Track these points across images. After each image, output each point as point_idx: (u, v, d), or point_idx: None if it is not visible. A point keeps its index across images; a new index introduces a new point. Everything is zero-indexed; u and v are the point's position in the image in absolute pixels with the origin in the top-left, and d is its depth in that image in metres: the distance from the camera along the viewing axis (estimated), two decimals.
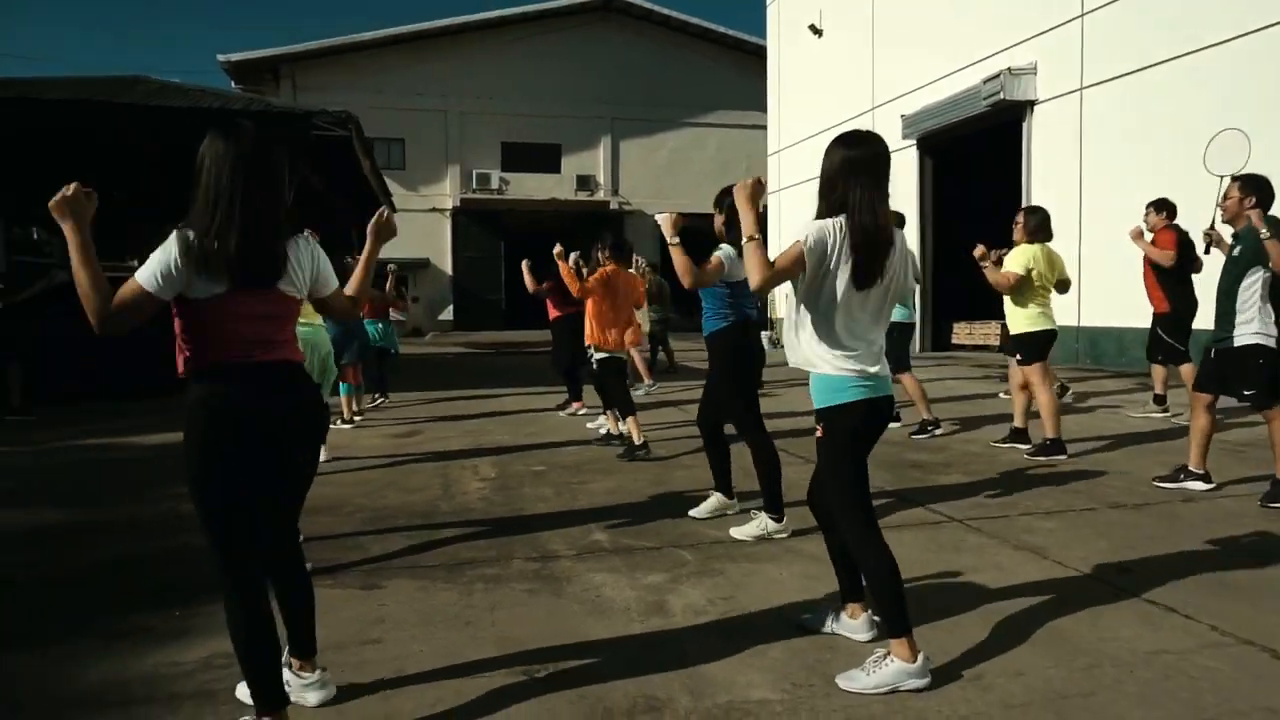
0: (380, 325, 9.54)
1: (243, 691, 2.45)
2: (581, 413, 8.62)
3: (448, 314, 31.80)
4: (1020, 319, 6.10)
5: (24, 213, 12.83)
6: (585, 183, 32.30)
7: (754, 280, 2.59)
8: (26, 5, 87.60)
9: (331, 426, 7.81)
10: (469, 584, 3.54)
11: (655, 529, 4.37)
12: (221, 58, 28.14)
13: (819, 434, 2.67)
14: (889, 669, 2.51)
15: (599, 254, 7.01)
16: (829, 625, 2.96)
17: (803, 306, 2.64)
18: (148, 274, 2.13)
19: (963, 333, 17.06)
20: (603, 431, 7.28)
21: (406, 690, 2.58)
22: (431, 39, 30.87)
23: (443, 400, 10.24)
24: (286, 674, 2.47)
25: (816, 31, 20.09)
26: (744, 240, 2.64)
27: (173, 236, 2.16)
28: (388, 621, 3.15)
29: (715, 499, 4.59)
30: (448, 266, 31.94)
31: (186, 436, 2.19)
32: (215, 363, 2.20)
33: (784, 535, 4.17)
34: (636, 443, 6.30)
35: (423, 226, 30.74)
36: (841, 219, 2.55)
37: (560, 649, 2.88)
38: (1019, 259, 6.03)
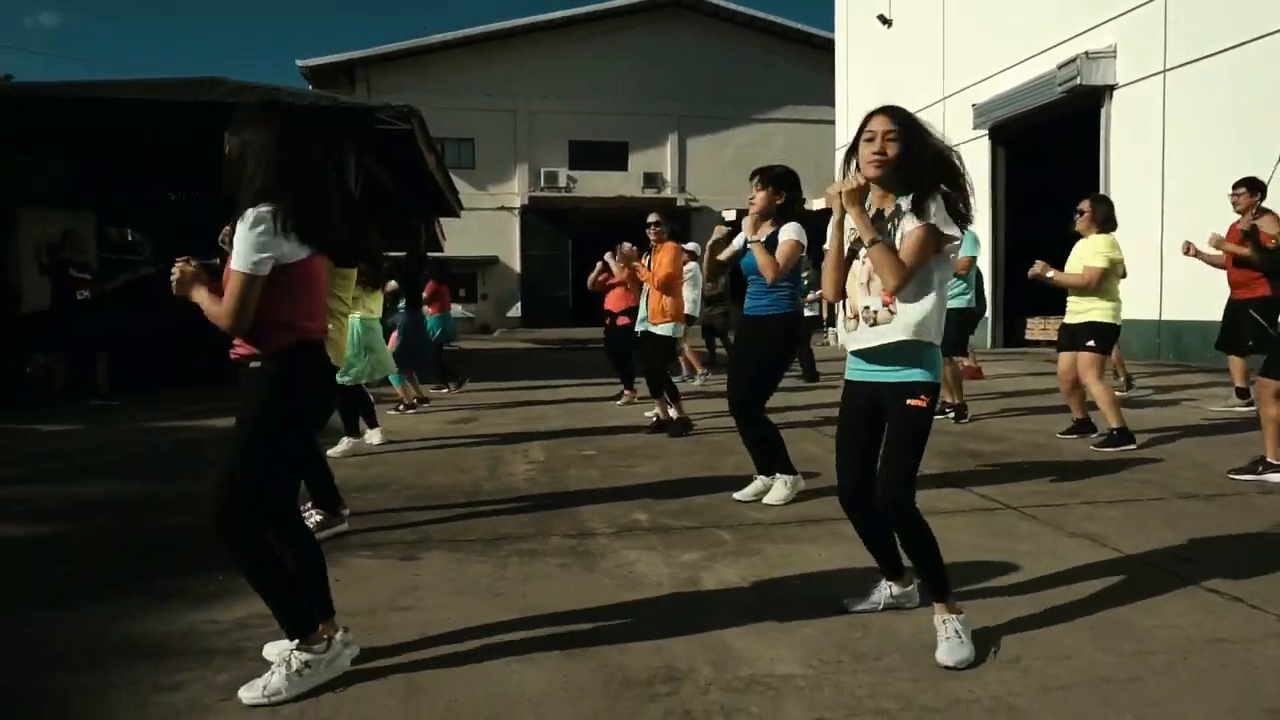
0: (443, 318, 9.69)
1: (270, 650, 2.50)
2: (636, 402, 8.59)
3: (515, 311, 32.21)
4: (1102, 309, 5.80)
5: (120, 215, 13.47)
6: (652, 180, 32.32)
7: (892, 283, 2.44)
8: (114, 17, 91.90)
9: (391, 413, 7.97)
10: (504, 558, 3.55)
11: (697, 510, 4.31)
12: (300, 63, 29.07)
13: (920, 404, 2.53)
14: (963, 627, 2.49)
15: (655, 231, 6.92)
16: (875, 600, 2.87)
17: (935, 276, 2.53)
18: (243, 261, 2.22)
19: (1037, 328, 16.46)
20: (653, 418, 7.24)
21: (429, 652, 2.58)
22: (500, 39, 31.31)
23: (503, 390, 10.35)
24: None
25: (886, 22, 19.69)
26: (868, 246, 2.47)
27: (254, 215, 2.24)
28: (421, 590, 3.17)
29: (759, 482, 4.50)
30: (516, 264, 32.36)
31: (271, 397, 2.30)
32: (303, 328, 2.35)
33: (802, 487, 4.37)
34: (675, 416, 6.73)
35: (491, 225, 31.22)
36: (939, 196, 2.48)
37: (586, 620, 2.85)
38: (1098, 251, 5.76)
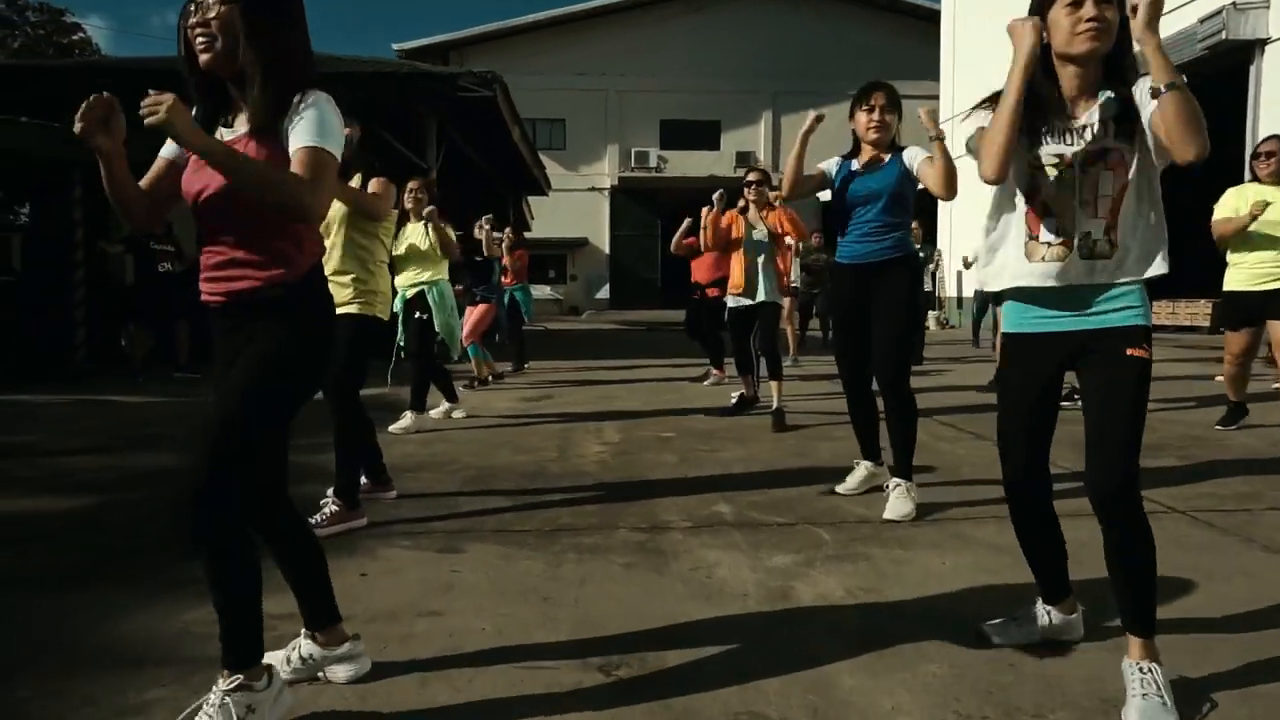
0: (519, 291, 9.21)
1: (274, 657, 2.00)
2: (725, 382, 7.93)
3: (604, 293, 31.86)
4: None
5: None
6: (745, 159, 31.25)
7: (1193, 149, 1.74)
8: None
9: (462, 388, 7.56)
10: (559, 553, 2.99)
11: (790, 503, 3.66)
12: (396, 46, 29.25)
13: (1143, 355, 1.88)
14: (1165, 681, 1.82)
15: (754, 191, 5.92)
16: (1028, 630, 2.20)
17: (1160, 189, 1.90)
18: (333, 139, 1.77)
19: (1164, 311, 15.01)
20: (734, 397, 6.60)
21: (451, 675, 2.04)
22: (591, 19, 30.85)
23: (583, 369, 9.86)
24: (309, 647, 2.00)
25: None
26: (1166, 89, 1.73)
27: (325, 95, 1.80)
28: (455, 589, 2.64)
29: (864, 469, 3.82)
30: (605, 245, 31.98)
31: (307, 337, 1.83)
32: (319, 247, 1.96)
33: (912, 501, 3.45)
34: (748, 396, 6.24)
35: (581, 206, 30.91)
36: None
37: (650, 639, 2.26)
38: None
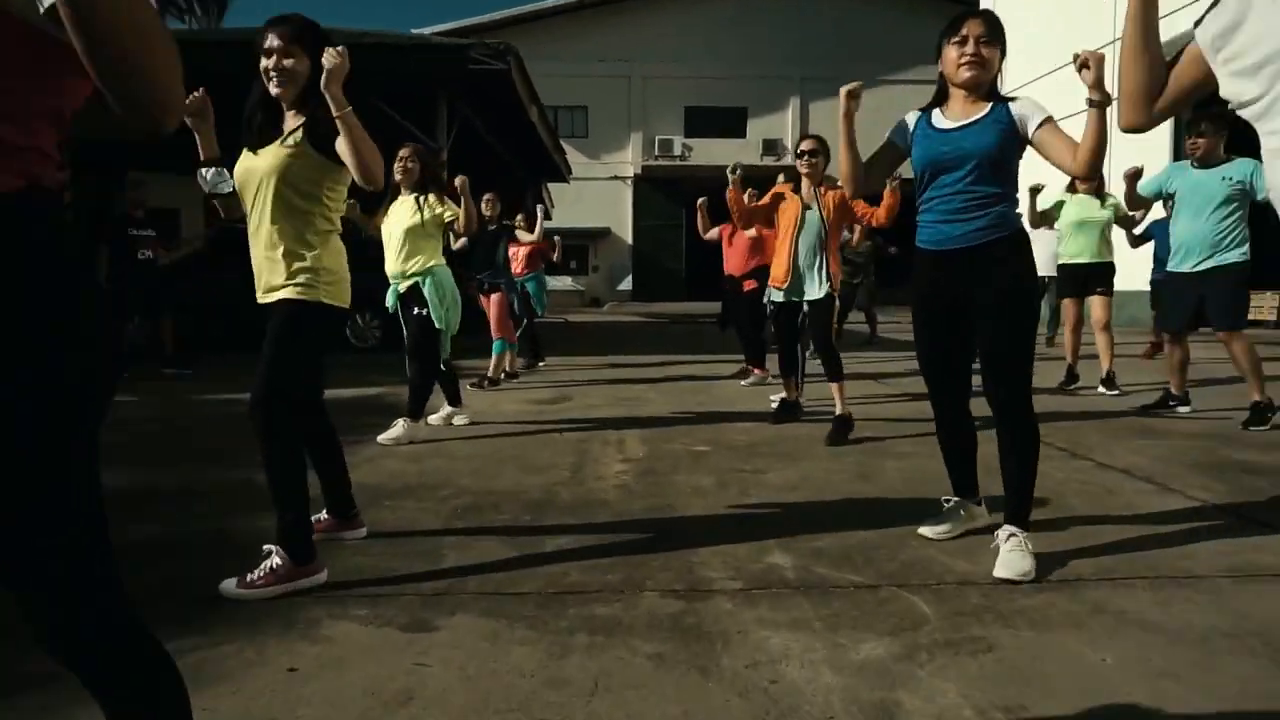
0: (530, 281, 8.38)
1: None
2: (768, 382, 7.09)
3: (626, 284, 31.04)
4: None
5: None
6: (772, 147, 30.33)
7: None
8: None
9: (470, 386, 6.79)
10: (566, 634, 2.18)
11: (866, 551, 2.84)
12: (414, 32, 28.53)
13: None
14: None
15: (808, 164, 4.90)
16: None
17: None
18: None
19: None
20: (774, 400, 5.78)
21: None
22: (614, 3, 29.92)
23: (604, 366, 9.05)
24: None
25: None
26: None
27: None
28: (416, 700, 1.84)
29: (959, 509, 2.98)
30: (628, 235, 31.15)
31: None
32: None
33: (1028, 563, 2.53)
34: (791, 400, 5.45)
35: (603, 195, 30.12)
36: None
37: None
38: None
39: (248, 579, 2.45)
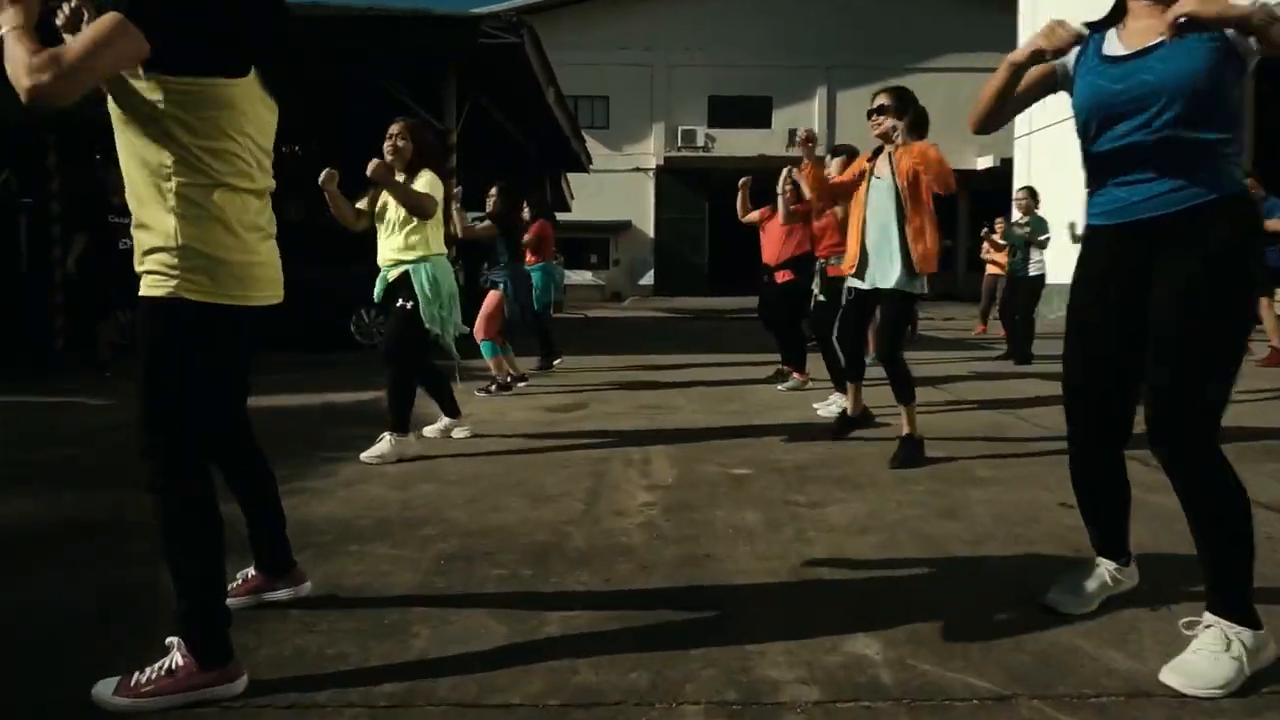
0: (547, 271, 7.67)
1: None
2: (809, 388, 6.35)
3: (648, 278, 30.30)
4: None
5: None
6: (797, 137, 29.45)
7: None
8: None
9: (479, 394, 6.11)
10: None
11: (977, 631, 2.10)
12: None
13: None
14: None
15: (885, 119, 3.92)
16: None
17: None
18: None
19: None
20: (834, 409, 5.05)
21: None
22: None
23: (624, 367, 8.32)
24: None
25: None
26: None
27: None
28: None
29: (1103, 572, 2.23)
30: (650, 229, 30.39)
31: None
32: None
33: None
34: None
35: (625, 187, 29.37)
36: None
37: None
38: None
39: (133, 682, 1.76)
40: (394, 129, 4.07)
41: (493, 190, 6.51)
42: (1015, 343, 8.30)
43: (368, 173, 3.69)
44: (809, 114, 29.72)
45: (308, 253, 7.02)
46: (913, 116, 3.92)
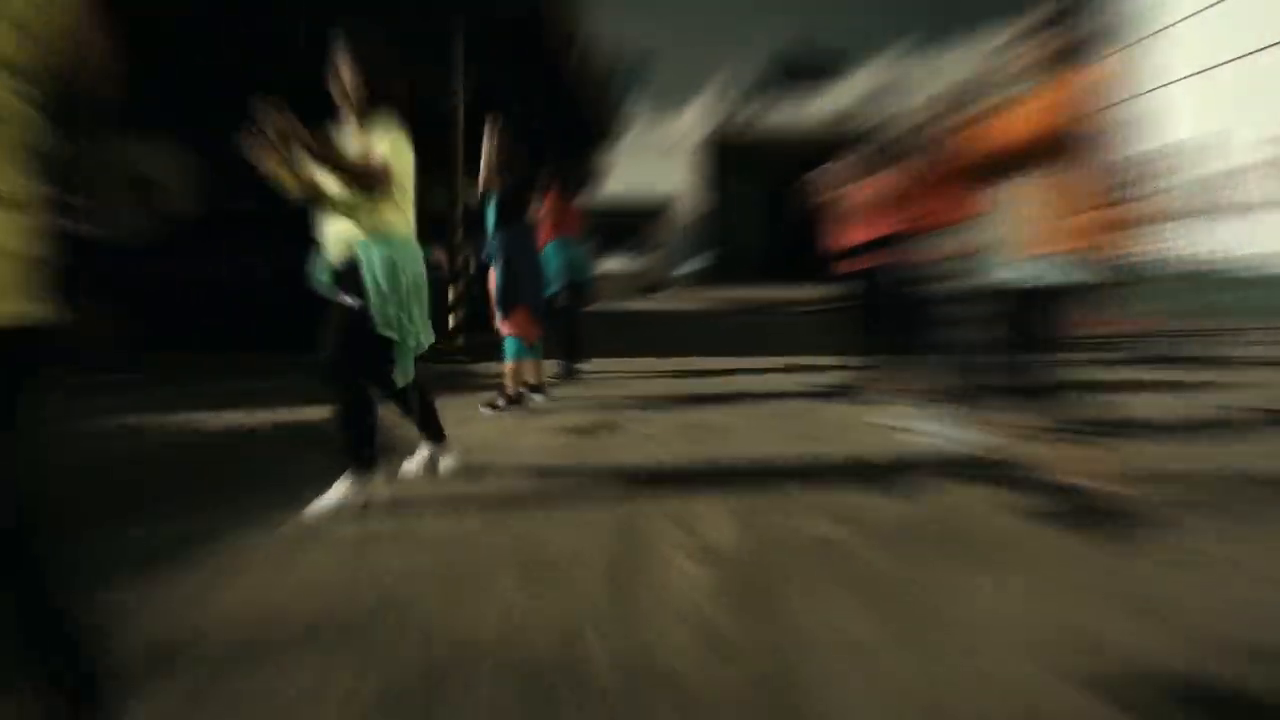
0: (564, 248, 6.84)
1: None
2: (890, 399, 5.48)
3: (693, 265, 29.55)
4: None
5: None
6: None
7: None
8: None
9: (485, 411, 5.38)
10: None
11: None
12: None
13: None
14: None
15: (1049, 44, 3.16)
16: None
17: None
18: None
19: None
20: (942, 441, 4.21)
21: None
22: None
23: (665, 374, 7.52)
24: None
25: None
26: None
27: None
28: None
29: None
30: (695, 208, 29.63)
31: None
32: None
33: None
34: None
35: (666, 162, 28.66)
36: None
37: None
38: None
39: None
40: (337, 61, 3.27)
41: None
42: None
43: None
44: (873, 84, 28.75)
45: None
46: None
